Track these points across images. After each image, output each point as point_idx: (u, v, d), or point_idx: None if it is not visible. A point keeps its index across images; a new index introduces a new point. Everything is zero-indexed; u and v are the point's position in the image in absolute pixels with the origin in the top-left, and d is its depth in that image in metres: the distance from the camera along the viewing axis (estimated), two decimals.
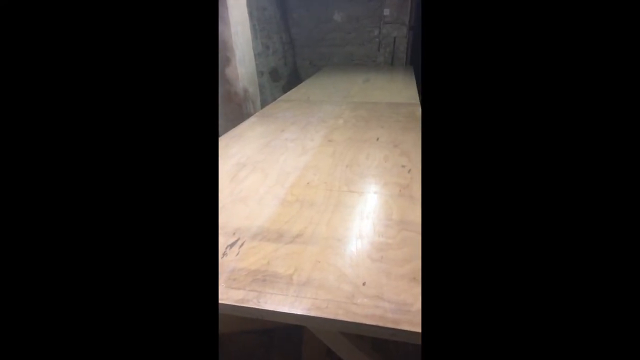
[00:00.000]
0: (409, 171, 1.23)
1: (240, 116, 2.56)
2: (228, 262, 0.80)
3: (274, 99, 2.64)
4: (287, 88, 4.05)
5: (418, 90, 2.59)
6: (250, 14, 2.94)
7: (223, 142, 1.61)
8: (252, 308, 0.67)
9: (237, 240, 0.87)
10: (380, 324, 0.62)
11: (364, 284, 0.71)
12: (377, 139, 1.57)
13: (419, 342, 0.59)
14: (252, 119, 1.99)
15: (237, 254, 0.82)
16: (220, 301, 0.68)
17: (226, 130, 2.11)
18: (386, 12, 3.99)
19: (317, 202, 1.06)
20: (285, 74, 4.23)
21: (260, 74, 3.40)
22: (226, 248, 0.84)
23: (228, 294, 0.70)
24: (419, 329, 0.61)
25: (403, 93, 2.52)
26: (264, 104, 2.99)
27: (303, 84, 3.08)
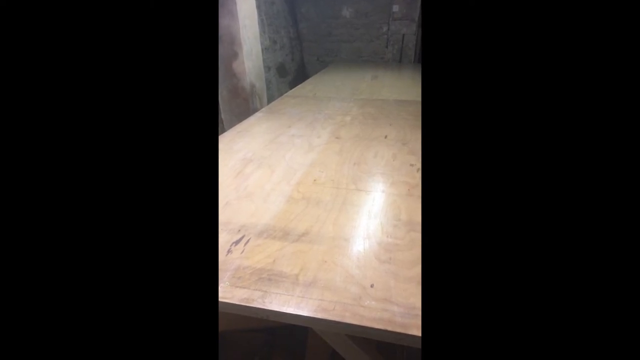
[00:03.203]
0: (418, 170, 1.21)
1: (247, 111, 2.55)
2: (233, 259, 0.78)
3: (281, 95, 2.62)
4: (293, 84, 4.02)
5: None
6: (259, 7, 2.92)
7: (229, 136, 1.60)
8: (257, 308, 0.66)
9: (242, 238, 0.86)
10: (389, 328, 0.60)
11: (371, 286, 0.70)
12: (385, 137, 1.55)
13: None
14: (258, 114, 1.98)
15: (242, 252, 0.81)
16: (224, 300, 0.67)
17: (232, 125, 2.10)
18: (395, 8, 3.94)
19: (323, 200, 1.04)
20: (293, 69, 4.21)
21: (267, 69, 3.38)
22: (231, 245, 0.83)
23: (233, 293, 0.68)
24: None
25: (411, 91, 2.49)
26: (270, 99, 2.97)
27: (310, 79, 3.05)
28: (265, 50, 3.34)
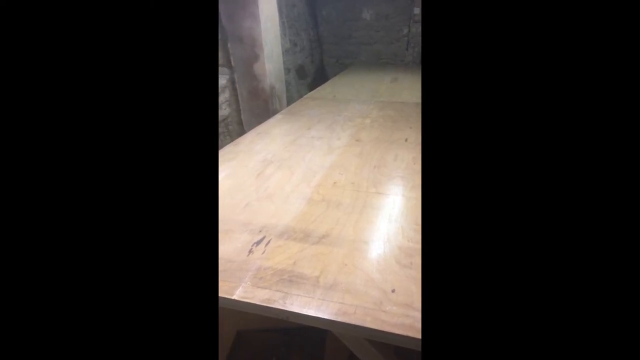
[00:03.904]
0: None
1: (266, 113, 2.57)
2: (254, 259, 0.79)
3: (300, 97, 2.63)
4: (313, 86, 4.04)
5: None
6: (280, 10, 2.94)
7: (249, 138, 1.62)
8: (278, 309, 0.66)
9: (263, 238, 0.87)
10: (410, 334, 0.60)
11: (393, 290, 0.69)
12: (406, 140, 1.54)
13: None
14: (278, 116, 1.99)
15: (263, 252, 0.81)
16: (246, 300, 0.68)
17: (252, 126, 2.12)
18: (416, 10, 3.90)
19: (343, 202, 1.04)
20: (312, 71, 4.22)
21: (287, 70, 3.40)
22: (252, 245, 0.84)
23: (254, 293, 0.69)
24: None
25: None
26: (290, 101, 2.99)
27: (330, 81, 3.06)
28: (285, 52, 3.36)
